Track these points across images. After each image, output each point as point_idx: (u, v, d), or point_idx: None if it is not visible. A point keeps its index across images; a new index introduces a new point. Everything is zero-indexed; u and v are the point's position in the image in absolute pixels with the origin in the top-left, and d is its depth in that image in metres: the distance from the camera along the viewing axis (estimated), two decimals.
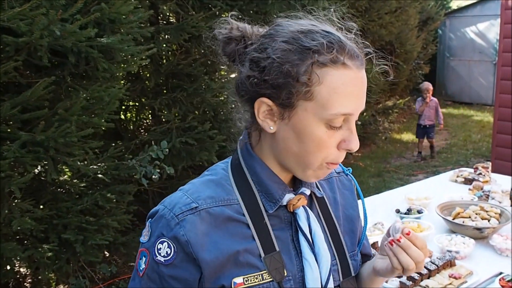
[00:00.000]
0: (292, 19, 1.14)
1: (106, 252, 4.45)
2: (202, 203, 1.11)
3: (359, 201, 1.37)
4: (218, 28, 1.18)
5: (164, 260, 1.08)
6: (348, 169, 1.41)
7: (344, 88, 1.05)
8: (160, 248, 1.09)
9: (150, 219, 1.15)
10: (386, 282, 2.22)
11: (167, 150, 3.70)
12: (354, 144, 1.10)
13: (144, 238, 1.15)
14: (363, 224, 1.37)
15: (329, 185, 1.35)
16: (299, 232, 1.18)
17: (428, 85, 8.91)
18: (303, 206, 1.20)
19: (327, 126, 1.07)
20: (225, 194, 1.15)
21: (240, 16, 1.21)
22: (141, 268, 1.13)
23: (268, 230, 1.15)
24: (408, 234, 1.14)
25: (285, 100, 1.06)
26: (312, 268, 1.16)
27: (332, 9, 1.17)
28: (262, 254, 1.12)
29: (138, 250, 1.16)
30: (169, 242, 1.08)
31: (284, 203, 1.18)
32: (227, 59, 1.18)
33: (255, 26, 1.19)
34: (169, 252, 1.08)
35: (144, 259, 1.13)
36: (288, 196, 1.18)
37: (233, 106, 1.25)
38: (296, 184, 1.23)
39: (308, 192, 1.22)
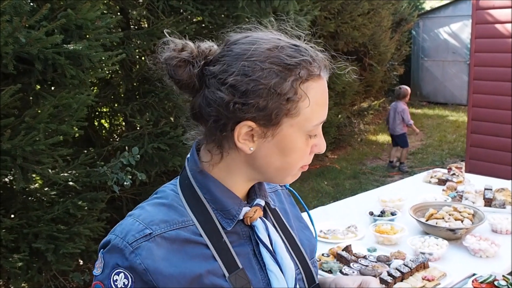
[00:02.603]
0: (245, 32, 1.13)
1: (80, 260, 4.39)
2: (156, 229, 1.05)
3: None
4: (161, 51, 1.11)
5: None
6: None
7: (322, 99, 1.09)
8: (117, 280, 1.03)
9: (102, 250, 1.08)
10: None
11: (139, 156, 3.66)
12: (323, 147, 1.15)
13: (97, 271, 1.08)
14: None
15: (277, 197, 1.35)
16: (260, 244, 1.16)
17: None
18: (260, 218, 1.18)
19: (307, 136, 1.10)
20: (179, 217, 1.10)
21: (173, 32, 1.14)
22: None
23: (228, 248, 1.12)
24: None
25: (272, 120, 1.05)
26: (278, 279, 1.15)
27: (281, 19, 1.17)
28: (227, 274, 1.09)
29: (92, 283, 1.10)
30: (126, 273, 1.03)
31: (241, 217, 1.16)
32: (177, 85, 1.11)
33: (194, 41, 1.13)
34: (126, 283, 1.03)
35: None
36: (244, 210, 1.16)
37: (183, 123, 1.21)
38: (250, 196, 1.21)
39: (263, 203, 1.21)
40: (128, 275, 1.02)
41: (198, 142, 1.19)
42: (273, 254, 1.16)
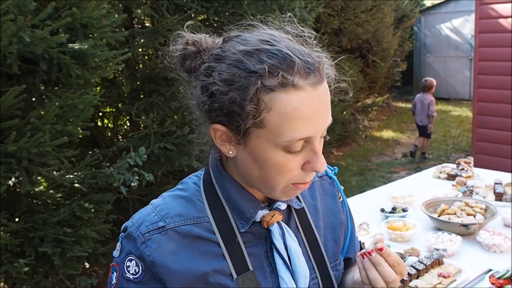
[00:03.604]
0: (245, 31, 1.07)
1: (86, 264, 4.36)
2: (169, 222, 1.07)
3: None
4: (173, 44, 1.11)
5: (133, 277, 1.07)
6: (333, 169, 1.34)
7: (296, 113, 0.96)
8: (129, 266, 1.07)
9: (122, 234, 1.12)
10: None
11: (145, 156, 3.62)
12: (319, 166, 1.03)
13: (116, 253, 1.12)
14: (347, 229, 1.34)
15: (310, 192, 1.27)
16: (274, 249, 1.13)
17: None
18: (277, 222, 1.14)
19: (285, 151, 1.00)
20: (195, 212, 1.10)
21: (198, 25, 1.14)
22: (112, 283, 1.12)
23: (241, 249, 1.10)
24: (381, 249, 1.08)
25: (236, 127, 1.00)
26: (288, 286, 1.12)
27: (288, 17, 1.09)
28: (234, 275, 1.08)
29: (111, 264, 1.15)
30: (137, 261, 1.06)
31: (258, 220, 1.13)
32: (186, 74, 1.10)
33: (213, 36, 1.11)
34: (137, 270, 1.07)
35: (115, 274, 1.11)
36: (262, 213, 1.13)
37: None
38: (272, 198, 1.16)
39: (283, 206, 1.16)
40: (139, 264, 1.06)
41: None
42: (286, 260, 1.13)
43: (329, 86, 1.06)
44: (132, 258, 1.07)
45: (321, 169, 1.04)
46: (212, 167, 1.15)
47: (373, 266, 1.09)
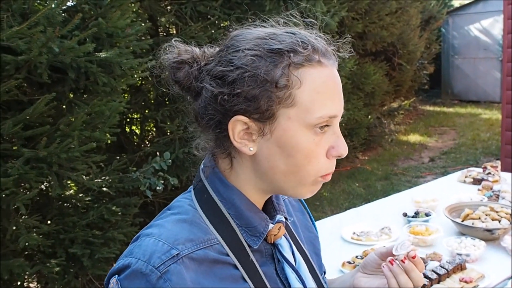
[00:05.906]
0: (248, 29, 1.04)
1: (114, 265, 4.45)
2: (182, 248, 0.93)
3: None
4: (164, 54, 1.06)
5: None
6: None
7: (325, 88, 0.97)
8: None
9: (116, 276, 0.93)
10: None
11: (170, 161, 3.69)
12: (343, 148, 1.01)
13: None
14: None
15: (285, 208, 1.20)
16: (285, 264, 1.08)
17: None
18: (283, 235, 1.09)
19: (314, 134, 0.97)
20: (203, 234, 0.98)
21: (185, 41, 1.09)
22: None
23: (256, 268, 1.02)
24: (413, 258, 1.09)
25: (264, 112, 0.96)
26: None
27: (287, 14, 1.07)
28: None
29: None
30: None
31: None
32: (179, 87, 1.05)
33: (204, 47, 1.08)
34: None
35: None
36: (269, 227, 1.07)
37: (191, 133, 1.13)
38: (267, 211, 1.11)
39: (283, 219, 1.11)
40: None
41: (212, 152, 1.09)
42: (299, 274, 1.09)
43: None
44: None
45: (344, 152, 1.01)
46: (211, 182, 1.05)
47: (403, 272, 1.09)
